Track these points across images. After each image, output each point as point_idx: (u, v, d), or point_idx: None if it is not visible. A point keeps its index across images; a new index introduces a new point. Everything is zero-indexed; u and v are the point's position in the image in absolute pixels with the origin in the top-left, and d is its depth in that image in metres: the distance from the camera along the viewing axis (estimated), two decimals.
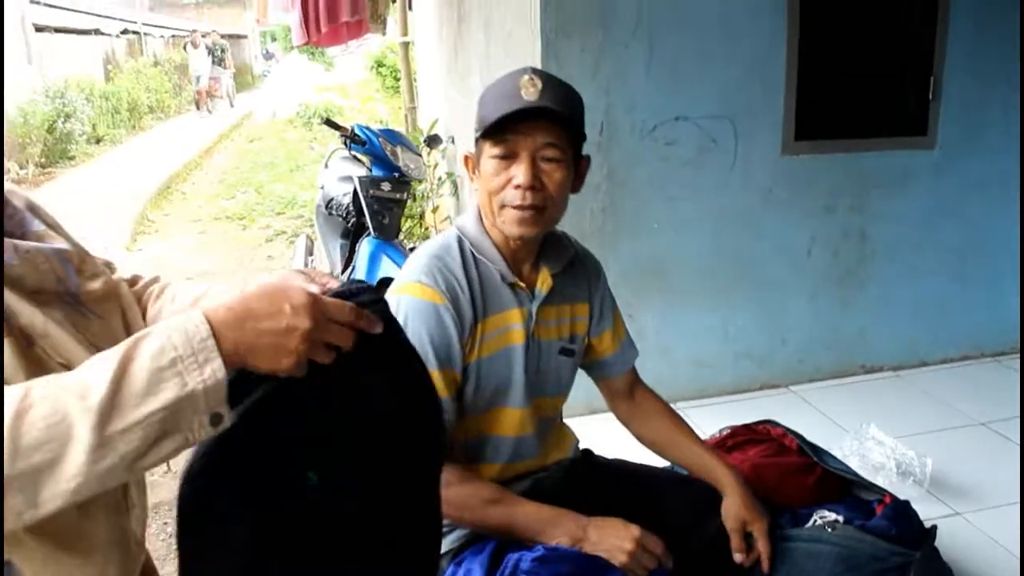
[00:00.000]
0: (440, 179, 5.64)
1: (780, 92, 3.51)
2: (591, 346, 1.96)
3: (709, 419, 3.06)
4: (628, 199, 3.37)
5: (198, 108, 20.04)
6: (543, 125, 1.62)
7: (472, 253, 1.74)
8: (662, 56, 3.33)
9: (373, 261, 3.90)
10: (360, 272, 3.91)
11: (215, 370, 0.94)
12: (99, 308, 1.20)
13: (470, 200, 5.19)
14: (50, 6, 15.19)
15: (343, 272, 4.28)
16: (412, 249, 4.41)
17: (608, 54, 3.27)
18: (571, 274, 1.86)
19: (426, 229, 6.32)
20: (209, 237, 8.34)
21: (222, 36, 22.75)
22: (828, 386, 3.83)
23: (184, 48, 21.35)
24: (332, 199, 4.58)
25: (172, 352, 0.92)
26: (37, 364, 1.04)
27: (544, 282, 1.79)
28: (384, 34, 7.66)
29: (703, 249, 3.59)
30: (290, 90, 18.28)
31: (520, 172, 1.62)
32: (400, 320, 1.63)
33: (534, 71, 1.65)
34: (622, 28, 3.27)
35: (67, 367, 1.08)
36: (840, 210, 3.71)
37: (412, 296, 1.67)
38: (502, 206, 1.67)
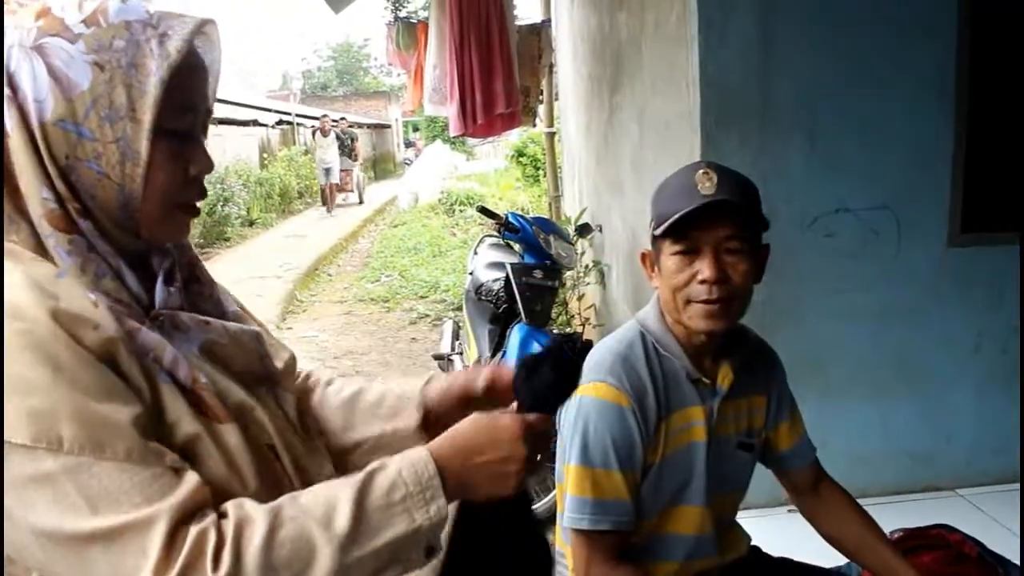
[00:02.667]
0: (587, 267, 5.68)
1: (946, 182, 3.42)
2: (768, 439, 1.93)
3: None
4: (786, 291, 3.31)
5: (324, 204, 18.03)
6: (723, 218, 1.62)
7: (655, 348, 1.74)
8: (822, 147, 3.31)
9: (524, 347, 3.94)
10: (511, 358, 3.95)
11: (440, 508, 1.03)
12: (286, 383, 1.27)
13: (616, 290, 5.21)
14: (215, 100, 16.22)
15: (491, 357, 4.34)
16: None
17: (767, 146, 3.27)
18: (750, 367, 1.84)
19: (570, 317, 6.37)
20: (354, 318, 8.61)
21: (367, 127, 23.15)
22: (1000, 491, 3.59)
23: (313, 136, 19.44)
24: (482, 285, 4.67)
25: (403, 488, 1.01)
26: (255, 450, 1.10)
27: (725, 377, 1.76)
28: (534, 125, 7.85)
29: (863, 342, 3.50)
30: (431, 178, 18.81)
31: (705, 266, 1.62)
32: (582, 420, 1.65)
33: (708, 164, 1.66)
34: (781, 119, 3.27)
35: (272, 448, 1.14)
36: (1010, 304, 3.54)
37: (597, 397, 1.67)
38: (688, 301, 1.66)
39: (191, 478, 0.98)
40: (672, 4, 3.50)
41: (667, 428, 1.71)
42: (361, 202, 19.82)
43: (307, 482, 1.17)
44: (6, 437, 0.90)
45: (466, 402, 1.34)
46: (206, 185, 1.17)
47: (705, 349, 1.75)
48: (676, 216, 1.61)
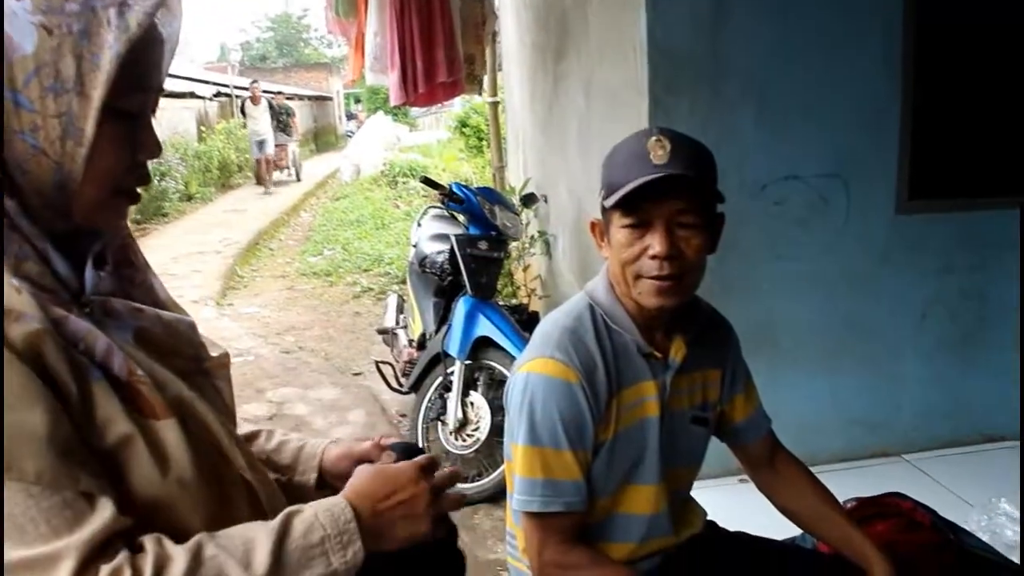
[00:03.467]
0: (532, 238, 5.61)
1: (894, 149, 3.41)
2: (722, 412, 1.87)
3: None
4: (736, 259, 3.27)
5: (259, 182, 16.95)
6: (677, 190, 1.53)
7: (605, 322, 1.66)
8: (772, 113, 3.26)
9: (470, 320, 3.86)
10: (457, 331, 3.87)
11: (356, 552, 1.03)
12: (220, 374, 1.20)
13: (562, 260, 5.15)
14: None
15: (437, 331, 4.25)
16: (508, 308, 4.37)
17: (717, 112, 3.21)
18: (703, 340, 1.77)
19: (516, 288, 6.30)
20: (296, 293, 8.47)
21: (308, 99, 22.28)
22: (945, 455, 3.63)
23: (242, 107, 17.22)
24: (426, 257, 4.58)
25: (321, 531, 1.02)
26: (197, 450, 1.03)
27: (678, 351, 1.70)
28: (481, 94, 7.73)
29: (813, 311, 3.48)
30: (374, 149, 18.55)
31: (656, 241, 1.53)
32: (528, 398, 1.58)
33: (661, 131, 1.56)
34: (731, 86, 3.22)
35: (215, 446, 1.07)
36: (958, 270, 3.57)
37: (545, 374, 1.59)
38: (637, 276, 1.58)
39: (105, 507, 0.90)
40: None
41: (618, 404, 1.64)
42: (298, 179, 18.56)
43: (250, 484, 1.12)
44: None
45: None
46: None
47: (657, 322, 1.68)
48: (626, 189, 1.51)
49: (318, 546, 1.00)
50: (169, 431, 0.99)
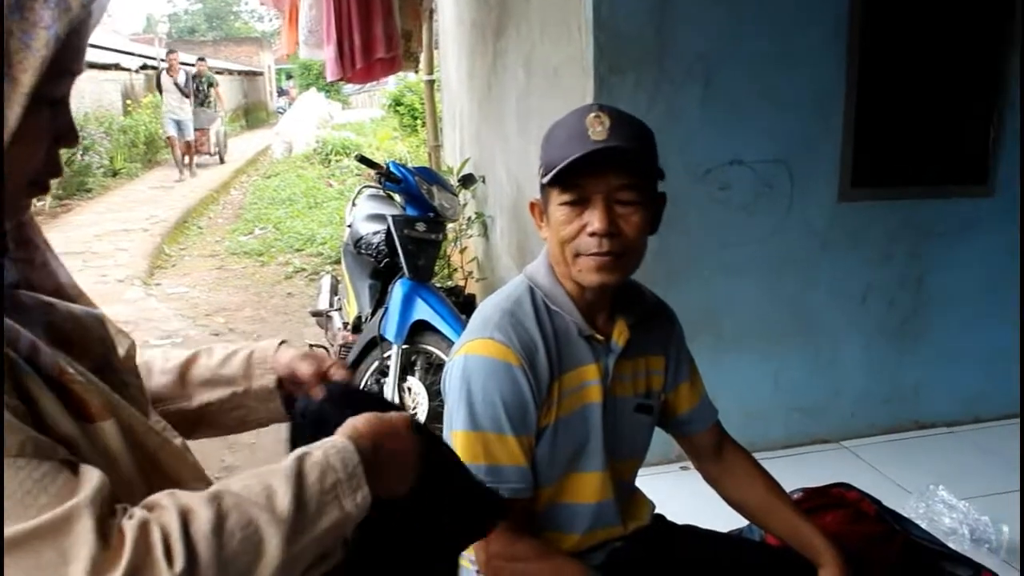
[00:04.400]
0: (470, 219, 5.51)
1: (838, 138, 3.40)
2: (667, 402, 1.82)
3: None
4: (679, 244, 3.24)
5: (181, 166, 14.82)
6: (615, 166, 1.49)
7: (545, 304, 1.61)
8: (718, 96, 3.22)
9: (407, 303, 3.76)
10: (393, 314, 3.77)
11: (365, 496, 0.96)
12: (128, 368, 1.09)
13: (499, 242, 5.07)
14: None
15: (373, 314, 4.14)
16: (444, 291, 4.28)
17: (662, 92, 3.15)
18: (646, 325, 1.72)
19: (453, 270, 6.20)
20: (227, 273, 8.29)
21: (238, 73, 21.30)
22: (881, 442, 3.66)
23: (158, 79, 15.00)
24: (362, 238, 4.46)
25: (333, 475, 0.94)
26: (133, 453, 0.95)
27: (621, 334, 1.64)
28: (417, 72, 7.59)
29: (755, 296, 3.46)
30: (306, 127, 18.26)
31: (594, 218, 1.49)
32: (467, 381, 1.51)
33: (600, 107, 1.52)
34: (678, 66, 3.16)
35: (145, 449, 0.98)
36: (897, 258, 3.58)
37: (484, 355, 1.53)
38: (576, 255, 1.53)
39: (92, 471, 0.81)
40: None
41: (560, 389, 1.58)
42: (222, 162, 17.02)
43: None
44: None
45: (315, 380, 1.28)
46: None
47: (598, 305, 1.64)
48: (563, 164, 1.47)
49: (332, 491, 0.93)
50: (110, 434, 0.91)
